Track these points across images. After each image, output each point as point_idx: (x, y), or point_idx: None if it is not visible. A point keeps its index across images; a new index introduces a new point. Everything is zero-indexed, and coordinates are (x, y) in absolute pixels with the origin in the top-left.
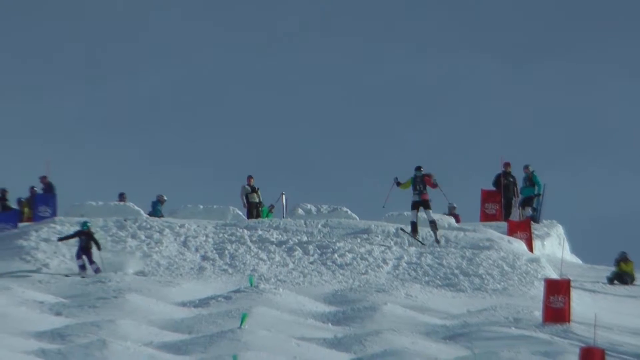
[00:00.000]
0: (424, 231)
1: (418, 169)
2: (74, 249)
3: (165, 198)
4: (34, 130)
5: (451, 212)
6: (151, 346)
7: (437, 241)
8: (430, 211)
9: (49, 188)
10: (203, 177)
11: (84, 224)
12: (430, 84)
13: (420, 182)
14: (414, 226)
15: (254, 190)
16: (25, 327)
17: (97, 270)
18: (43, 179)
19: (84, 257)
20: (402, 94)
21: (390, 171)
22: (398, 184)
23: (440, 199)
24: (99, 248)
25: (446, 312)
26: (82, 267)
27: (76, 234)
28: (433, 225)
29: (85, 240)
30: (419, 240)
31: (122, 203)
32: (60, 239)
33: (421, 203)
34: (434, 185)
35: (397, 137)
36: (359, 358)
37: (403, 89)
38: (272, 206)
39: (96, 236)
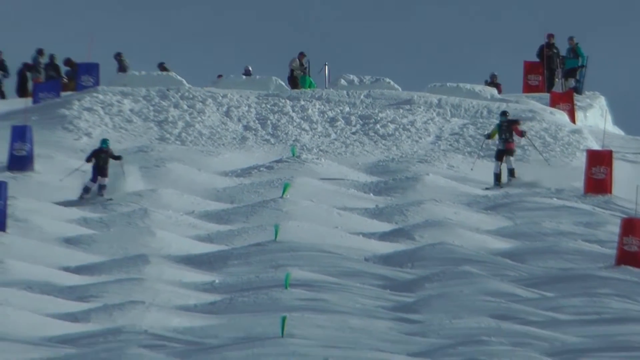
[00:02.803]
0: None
1: (503, 114)
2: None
3: (250, 68)
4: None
5: (493, 82)
6: (193, 215)
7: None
8: (512, 158)
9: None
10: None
11: (104, 141)
12: None
13: (507, 129)
14: (497, 177)
15: (303, 71)
16: (68, 196)
17: (101, 189)
18: None
19: (99, 178)
20: None
21: (432, 42)
22: (488, 136)
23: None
24: (120, 158)
25: (488, 183)
26: (87, 191)
27: (94, 153)
28: (511, 173)
29: (104, 159)
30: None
31: (164, 73)
32: (87, 160)
33: (505, 152)
34: (522, 134)
35: (440, 7)
36: (400, 228)
37: None
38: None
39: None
